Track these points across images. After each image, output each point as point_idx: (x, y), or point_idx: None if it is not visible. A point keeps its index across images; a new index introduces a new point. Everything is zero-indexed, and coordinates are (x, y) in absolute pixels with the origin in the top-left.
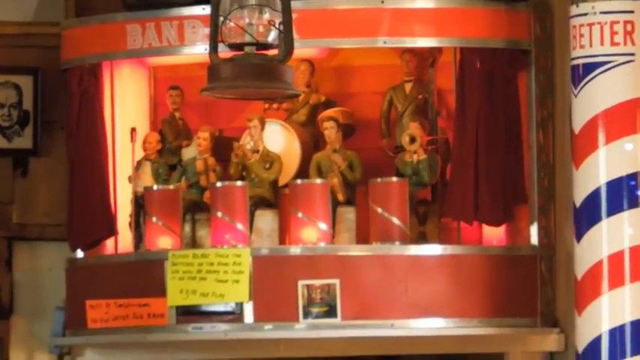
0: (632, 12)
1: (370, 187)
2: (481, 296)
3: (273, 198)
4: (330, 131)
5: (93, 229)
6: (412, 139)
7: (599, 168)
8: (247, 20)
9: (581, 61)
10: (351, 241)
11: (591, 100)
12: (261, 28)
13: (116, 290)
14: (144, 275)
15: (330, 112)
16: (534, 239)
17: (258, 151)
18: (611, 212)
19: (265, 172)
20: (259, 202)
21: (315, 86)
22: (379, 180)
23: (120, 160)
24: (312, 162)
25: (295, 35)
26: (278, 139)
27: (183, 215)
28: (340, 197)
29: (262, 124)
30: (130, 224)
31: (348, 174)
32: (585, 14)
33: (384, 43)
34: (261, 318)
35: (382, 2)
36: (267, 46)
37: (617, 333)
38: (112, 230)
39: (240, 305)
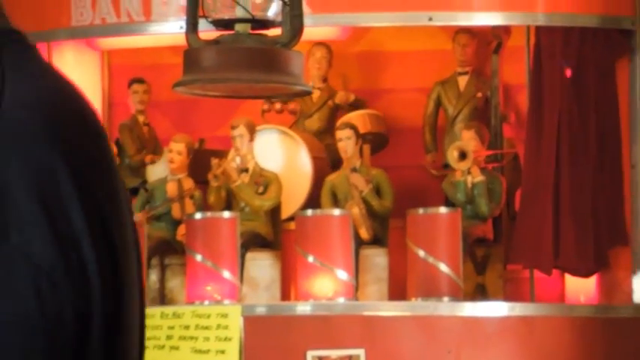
0: None
1: (409, 220)
2: None
3: (272, 235)
4: (345, 143)
5: None
6: (462, 154)
7: None
8: None
9: None
10: (381, 297)
11: None
12: None
13: None
14: None
15: (349, 116)
16: (638, 296)
17: (247, 170)
18: None
19: (258, 199)
20: (252, 241)
21: (343, 80)
22: (421, 211)
23: None
24: (324, 187)
25: (306, 9)
26: (281, 153)
27: (147, 259)
28: (364, 234)
29: (251, 132)
30: None
31: (374, 201)
32: None
33: (430, 20)
34: None
35: None
36: (267, 23)
37: None
38: None
39: None
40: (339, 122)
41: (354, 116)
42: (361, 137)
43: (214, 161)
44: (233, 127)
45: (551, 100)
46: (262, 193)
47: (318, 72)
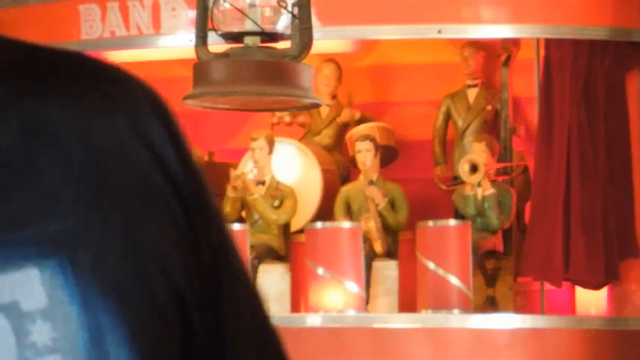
0: None
1: (418, 233)
2: None
3: (284, 248)
4: (365, 155)
5: None
6: (474, 167)
7: None
8: (249, 0)
9: None
10: (391, 309)
11: None
12: (267, 12)
13: None
14: None
15: (358, 129)
16: None
17: (264, 183)
18: None
19: (274, 212)
20: (265, 254)
21: (348, 97)
22: (431, 224)
23: None
24: (338, 197)
25: (315, 22)
26: (291, 166)
27: None
28: (378, 248)
29: (271, 145)
30: None
31: (390, 216)
32: None
33: (439, 32)
34: None
35: None
36: (276, 36)
37: None
38: None
39: None
40: (356, 134)
41: (364, 129)
42: (380, 150)
43: (234, 173)
44: (253, 139)
45: (560, 113)
46: (277, 207)
47: (327, 89)
